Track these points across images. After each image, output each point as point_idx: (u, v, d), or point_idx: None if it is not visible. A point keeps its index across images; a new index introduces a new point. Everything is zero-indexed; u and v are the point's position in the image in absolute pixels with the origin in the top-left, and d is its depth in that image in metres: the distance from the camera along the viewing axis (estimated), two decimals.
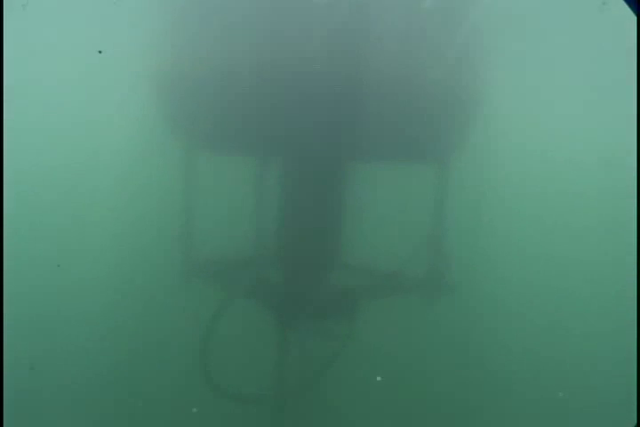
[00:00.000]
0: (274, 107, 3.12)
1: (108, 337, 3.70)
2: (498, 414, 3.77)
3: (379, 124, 3.11)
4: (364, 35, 3.02)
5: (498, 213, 3.81)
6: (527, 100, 3.60)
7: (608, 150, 3.54)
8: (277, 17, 3.07)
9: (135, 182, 3.93)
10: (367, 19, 3.02)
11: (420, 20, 3.09)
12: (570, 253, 4.00)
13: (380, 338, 3.79)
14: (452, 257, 3.71)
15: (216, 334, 3.30)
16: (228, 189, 3.91)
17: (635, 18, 2.68)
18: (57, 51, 3.55)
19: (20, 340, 3.37)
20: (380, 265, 3.72)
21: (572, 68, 3.48)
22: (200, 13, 3.27)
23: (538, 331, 4.13)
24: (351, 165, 3.44)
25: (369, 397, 3.88)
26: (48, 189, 3.95)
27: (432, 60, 3.15)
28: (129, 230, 3.96)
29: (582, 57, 3.40)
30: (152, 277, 3.80)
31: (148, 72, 3.39)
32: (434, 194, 3.65)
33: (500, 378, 3.97)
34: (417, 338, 3.84)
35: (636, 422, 2.85)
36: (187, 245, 3.72)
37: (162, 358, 3.77)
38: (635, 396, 2.92)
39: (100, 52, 3.30)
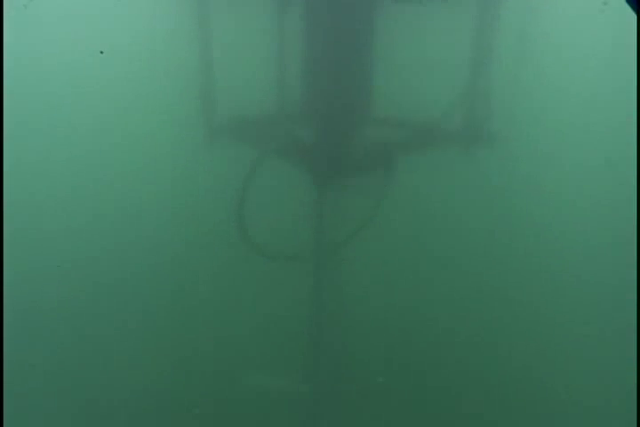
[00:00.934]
0: None
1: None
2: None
3: None
4: None
5: None
6: (527, 99, 3.62)
7: (608, 150, 3.56)
8: None
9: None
10: None
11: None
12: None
13: (416, 194, 3.62)
14: (491, 105, 3.45)
15: (249, 195, 3.13)
16: (249, 41, 3.58)
17: (635, 18, 2.82)
18: (58, 50, 3.61)
19: (19, 339, 3.30)
20: (414, 117, 3.47)
21: (571, 67, 3.61)
22: None
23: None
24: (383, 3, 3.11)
25: (404, 254, 3.80)
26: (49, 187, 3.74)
27: None
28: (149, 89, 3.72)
29: (582, 56, 3.54)
30: (177, 140, 3.59)
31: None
32: (474, 35, 3.33)
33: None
34: (455, 193, 3.66)
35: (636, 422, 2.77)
36: (210, 104, 3.48)
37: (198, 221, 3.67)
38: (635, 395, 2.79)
39: (101, 52, 3.36)
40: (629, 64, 3.26)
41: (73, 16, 3.63)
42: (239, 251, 3.12)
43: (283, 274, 3.24)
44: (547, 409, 3.61)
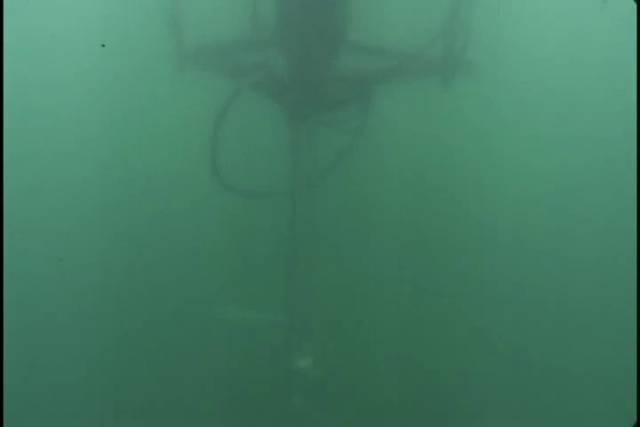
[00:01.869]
0: None
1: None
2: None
3: None
4: None
5: None
6: (526, 99, 3.57)
7: (607, 148, 3.51)
8: None
9: None
10: None
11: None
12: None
13: (393, 128, 3.55)
14: (472, 33, 3.30)
15: (221, 130, 3.03)
16: None
17: (635, 18, 2.79)
18: (60, 44, 3.43)
19: (19, 339, 3.20)
20: (391, 44, 3.32)
21: (571, 66, 3.48)
22: None
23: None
24: None
25: (381, 188, 3.79)
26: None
27: None
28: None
29: (582, 55, 3.40)
30: (143, 71, 3.42)
31: None
32: None
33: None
34: (433, 124, 3.59)
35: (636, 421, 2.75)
36: (177, 30, 3.28)
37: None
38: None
39: (103, 45, 3.23)
40: (629, 62, 3.15)
41: (75, 9, 3.41)
42: (213, 190, 3.06)
43: (259, 211, 3.22)
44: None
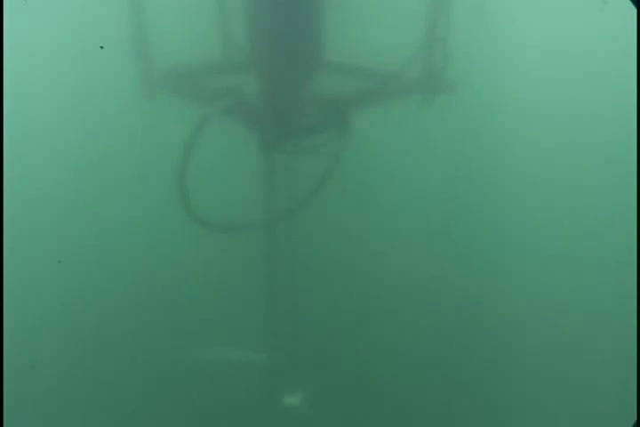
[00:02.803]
0: None
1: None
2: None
3: None
4: None
5: None
6: (526, 98, 3.53)
7: (608, 149, 3.51)
8: None
9: None
10: None
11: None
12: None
13: (374, 152, 3.39)
14: (451, 51, 3.19)
15: (189, 160, 2.85)
16: None
17: (635, 17, 2.69)
18: (59, 45, 3.37)
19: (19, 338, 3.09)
20: (369, 64, 3.19)
21: (571, 66, 3.45)
22: None
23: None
24: None
25: (363, 219, 3.64)
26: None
27: None
28: None
29: (581, 55, 3.38)
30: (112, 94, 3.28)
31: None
32: None
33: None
34: (414, 149, 3.44)
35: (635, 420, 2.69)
36: (145, 55, 3.12)
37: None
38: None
39: (101, 47, 3.21)
40: (629, 62, 3.11)
41: (74, 10, 3.30)
42: (183, 224, 2.86)
43: (233, 246, 3.03)
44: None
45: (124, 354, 3.42)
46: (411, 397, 3.54)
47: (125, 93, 3.43)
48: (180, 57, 3.38)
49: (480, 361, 3.64)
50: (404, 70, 3.16)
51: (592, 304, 3.57)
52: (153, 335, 3.33)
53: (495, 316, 3.64)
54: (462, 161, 3.46)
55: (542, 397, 3.59)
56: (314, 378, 3.53)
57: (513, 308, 3.65)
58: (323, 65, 3.13)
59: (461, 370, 3.61)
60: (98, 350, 3.44)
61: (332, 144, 3.11)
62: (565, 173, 3.57)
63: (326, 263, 3.35)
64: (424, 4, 3.09)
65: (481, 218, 3.56)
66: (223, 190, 3.15)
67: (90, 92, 3.50)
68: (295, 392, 3.52)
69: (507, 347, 3.62)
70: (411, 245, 3.49)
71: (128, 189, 3.25)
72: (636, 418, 2.59)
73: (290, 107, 3.09)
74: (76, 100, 3.48)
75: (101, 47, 3.23)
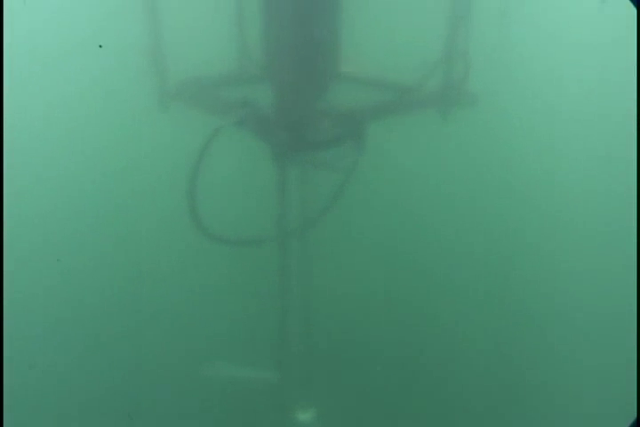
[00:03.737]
0: None
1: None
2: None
3: None
4: None
5: None
6: (526, 98, 3.49)
7: (608, 149, 3.47)
8: None
9: None
10: None
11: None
12: None
13: (390, 166, 3.32)
14: (473, 64, 3.13)
15: (200, 173, 2.80)
16: None
17: (634, 17, 2.67)
18: (58, 44, 3.33)
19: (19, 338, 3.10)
20: (386, 77, 3.14)
21: (571, 66, 3.42)
22: None
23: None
24: None
25: (376, 232, 3.57)
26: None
27: None
28: None
29: (581, 55, 3.37)
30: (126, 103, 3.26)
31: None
32: None
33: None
34: (432, 164, 3.37)
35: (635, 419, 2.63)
36: (160, 66, 3.09)
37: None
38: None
39: (100, 46, 3.20)
40: (629, 62, 3.05)
41: (73, 9, 3.29)
42: (194, 238, 2.81)
43: (246, 261, 2.97)
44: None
45: (126, 359, 3.38)
46: (428, 415, 3.46)
47: (140, 103, 3.41)
48: (195, 68, 3.36)
49: (495, 368, 3.57)
50: (422, 82, 3.10)
51: (592, 304, 3.49)
52: (158, 350, 3.28)
53: (500, 316, 3.58)
54: (482, 176, 3.37)
55: (542, 396, 3.52)
56: (327, 394, 3.47)
57: (529, 309, 3.59)
58: (339, 77, 3.09)
59: (482, 382, 3.53)
60: (98, 349, 3.41)
61: (348, 158, 3.05)
62: (597, 191, 3.49)
63: (340, 280, 3.28)
64: (443, 14, 3.04)
65: (501, 234, 3.47)
66: (235, 203, 3.09)
67: (104, 102, 3.48)
68: (308, 409, 3.46)
69: (507, 347, 3.56)
70: (429, 262, 3.40)
71: (139, 200, 3.22)
72: (636, 418, 2.54)
73: (305, 119, 3.03)
74: (89, 109, 3.47)
75: (100, 46, 3.22)
